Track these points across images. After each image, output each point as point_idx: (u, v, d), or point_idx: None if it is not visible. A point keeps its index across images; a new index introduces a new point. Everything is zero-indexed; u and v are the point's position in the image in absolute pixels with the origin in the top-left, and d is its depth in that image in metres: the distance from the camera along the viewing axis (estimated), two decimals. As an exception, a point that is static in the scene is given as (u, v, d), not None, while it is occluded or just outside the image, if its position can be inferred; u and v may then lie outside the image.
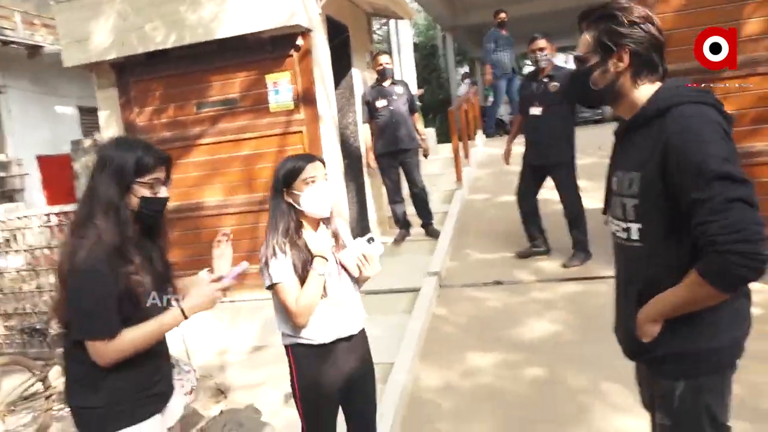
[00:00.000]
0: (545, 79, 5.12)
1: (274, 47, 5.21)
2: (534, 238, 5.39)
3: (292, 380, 2.45)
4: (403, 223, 6.39)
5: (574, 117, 5.22)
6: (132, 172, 1.90)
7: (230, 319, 5.38)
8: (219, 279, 2.09)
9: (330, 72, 5.69)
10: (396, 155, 6.17)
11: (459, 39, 17.73)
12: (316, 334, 2.36)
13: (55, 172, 10.83)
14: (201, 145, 5.49)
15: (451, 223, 6.26)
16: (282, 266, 2.30)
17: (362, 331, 2.53)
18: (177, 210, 5.53)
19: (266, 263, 2.31)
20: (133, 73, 5.55)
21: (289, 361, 2.44)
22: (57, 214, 6.73)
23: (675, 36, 4.23)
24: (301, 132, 5.24)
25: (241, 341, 5.30)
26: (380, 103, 6.11)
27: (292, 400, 2.54)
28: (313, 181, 2.34)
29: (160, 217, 2.03)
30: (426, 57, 16.95)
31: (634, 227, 1.65)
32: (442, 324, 4.52)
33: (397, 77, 7.93)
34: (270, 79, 5.25)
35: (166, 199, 1.99)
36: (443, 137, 11.64)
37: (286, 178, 2.36)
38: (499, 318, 4.46)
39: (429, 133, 8.75)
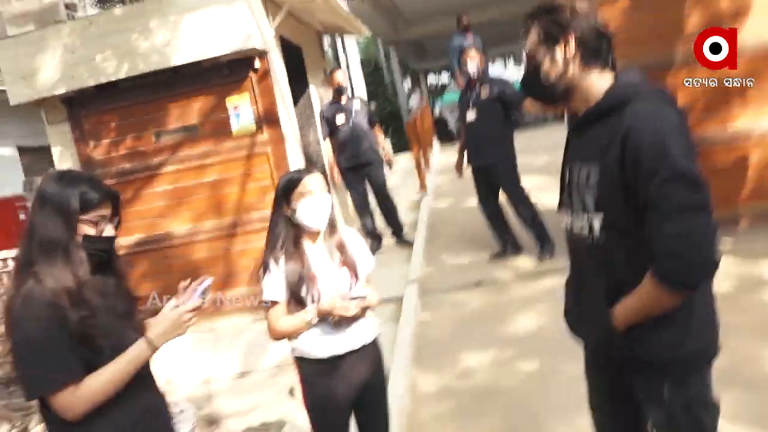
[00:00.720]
0: (477, 86, 5.32)
1: (231, 71, 5.16)
2: (503, 240, 5.48)
3: (303, 393, 2.44)
4: (373, 236, 6.39)
5: (510, 120, 5.38)
6: (76, 209, 1.74)
7: (211, 347, 5.25)
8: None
9: (288, 91, 5.68)
10: (360, 168, 6.19)
11: (401, 52, 17.97)
12: (316, 349, 2.35)
13: (-1, 217, 10.35)
14: (163, 174, 5.37)
15: (422, 230, 6.30)
16: (273, 283, 2.32)
17: (373, 343, 2.48)
18: (144, 242, 5.38)
19: (260, 279, 2.35)
20: (84, 106, 5.39)
21: (299, 375, 2.44)
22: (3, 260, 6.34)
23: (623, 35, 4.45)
24: (266, 153, 5.19)
25: (224, 369, 5.17)
26: (340, 119, 6.14)
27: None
28: (310, 193, 2.32)
29: (108, 257, 1.87)
30: (370, 73, 17.12)
31: (596, 219, 1.61)
32: (428, 330, 4.52)
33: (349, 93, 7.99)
34: (230, 102, 5.19)
35: (112, 239, 1.84)
36: (397, 148, 11.74)
37: (285, 191, 2.35)
38: (484, 318, 4.50)
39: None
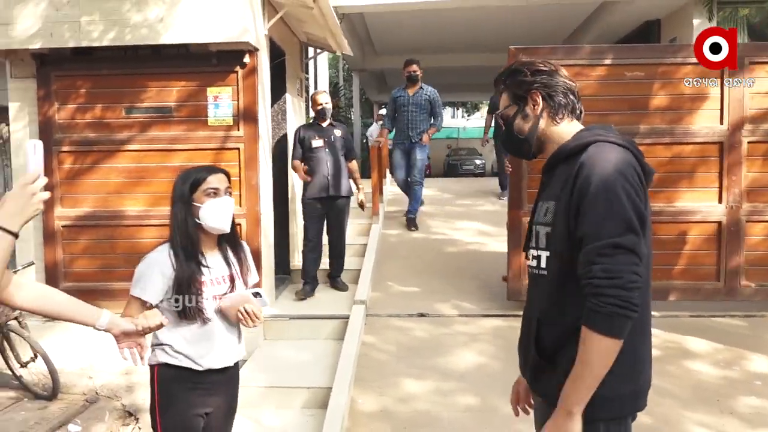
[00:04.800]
0: None
1: (218, 61, 5.11)
2: None
3: (153, 406, 2.33)
4: (312, 280, 5.78)
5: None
6: None
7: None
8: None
9: (269, 93, 5.68)
10: (325, 201, 5.73)
11: (362, 80, 18.27)
12: (189, 358, 2.28)
13: None
14: (127, 150, 5.20)
15: (371, 255, 6.36)
16: (152, 283, 2.28)
17: (235, 366, 2.45)
18: (91, 217, 5.18)
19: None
20: (57, 66, 5.18)
21: (152, 384, 2.32)
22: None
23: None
24: (238, 149, 5.14)
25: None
26: (316, 143, 5.70)
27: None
28: (215, 194, 2.27)
29: None
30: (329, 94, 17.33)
31: (543, 255, 1.69)
32: (372, 351, 4.57)
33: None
34: (212, 92, 5.14)
35: None
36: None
37: (190, 189, 2.28)
38: (427, 348, 4.60)
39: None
